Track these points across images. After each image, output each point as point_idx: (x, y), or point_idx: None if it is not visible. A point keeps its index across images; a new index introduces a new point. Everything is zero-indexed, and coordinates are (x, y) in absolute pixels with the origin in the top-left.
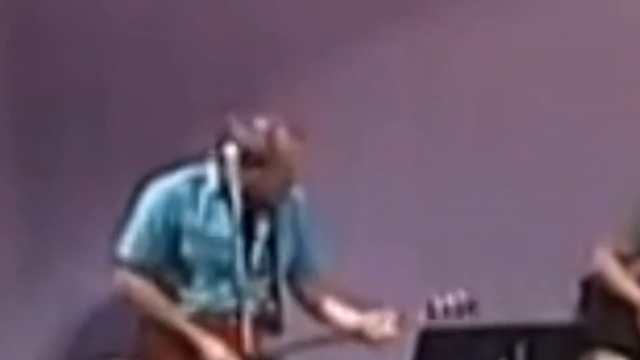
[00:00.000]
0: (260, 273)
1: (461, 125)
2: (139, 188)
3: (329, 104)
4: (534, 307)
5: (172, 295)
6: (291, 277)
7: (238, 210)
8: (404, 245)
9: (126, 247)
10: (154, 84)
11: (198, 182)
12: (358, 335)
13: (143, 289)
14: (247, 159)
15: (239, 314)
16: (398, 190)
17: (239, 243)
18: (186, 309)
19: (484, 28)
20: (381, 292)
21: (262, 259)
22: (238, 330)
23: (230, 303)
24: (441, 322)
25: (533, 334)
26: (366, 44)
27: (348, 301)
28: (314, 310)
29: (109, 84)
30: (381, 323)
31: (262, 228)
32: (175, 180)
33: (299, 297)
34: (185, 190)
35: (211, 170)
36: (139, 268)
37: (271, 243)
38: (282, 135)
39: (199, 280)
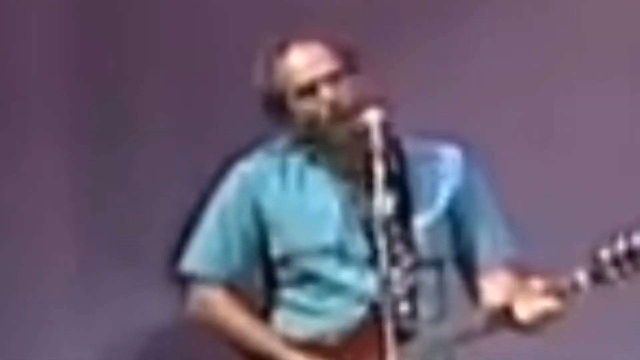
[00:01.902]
0: (393, 261)
1: None
2: (222, 172)
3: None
4: None
5: (267, 316)
6: (461, 265)
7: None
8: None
9: (192, 259)
10: None
11: (286, 153)
12: (505, 321)
13: (223, 306)
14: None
15: (363, 325)
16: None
17: (354, 221)
18: (284, 333)
19: None
20: None
21: (393, 239)
22: (367, 349)
23: (354, 312)
24: None
25: None
26: None
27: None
28: (476, 295)
29: (199, 39)
30: (531, 298)
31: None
32: (255, 159)
33: (466, 283)
34: (270, 164)
35: (305, 149)
36: (214, 283)
37: (403, 217)
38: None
39: (301, 287)
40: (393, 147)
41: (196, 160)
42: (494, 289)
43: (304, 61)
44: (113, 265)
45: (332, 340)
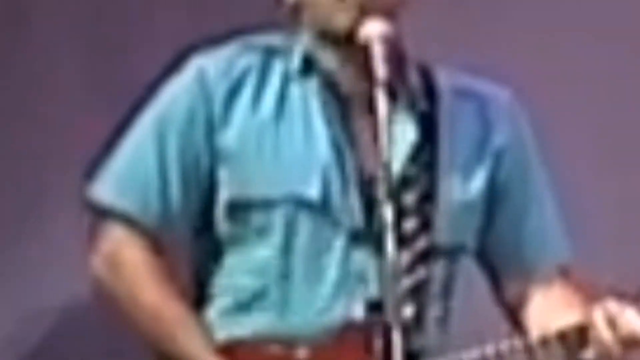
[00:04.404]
0: (399, 241)
1: None
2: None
3: None
4: None
5: (202, 295)
6: (491, 265)
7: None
8: None
9: (108, 187)
10: None
11: (271, 53)
12: (578, 347)
13: (138, 268)
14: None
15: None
16: None
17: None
18: (220, 334)
19: None
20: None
21: (405, 210)
22: None
23: (331, 312)
24: None
25: None
26: None
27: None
28: (516, 314)
29: None
30: (619, 315)
31: (405, 138)
32: (223, 52)
33: (501, 296)
34: (245, 62)
35: (298, 46)
36: (136, 228)
37: (427, 181)
38: None
39: (252, 260)
40: (406, 73)
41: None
42: (552, 304)
43: None
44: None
45: (303, 354)
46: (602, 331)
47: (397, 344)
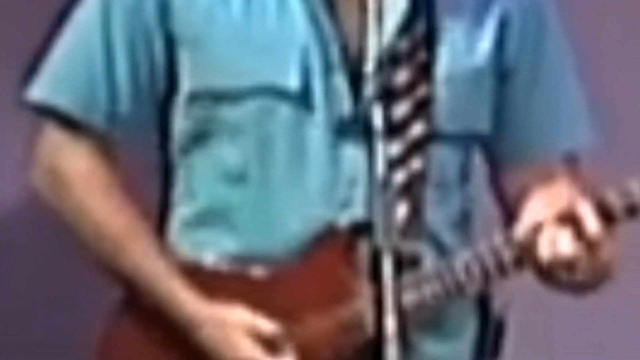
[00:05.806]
0: (391, 129)
1: None
2: None
3: None
4: None
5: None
6: (497, 151)
7: None
8: None
9: (45, 82)
10: None
11: None
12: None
13: (79, 178)
14: None
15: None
16: None
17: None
18: (194, 244)
19: None
20: None
21: (395, 95)
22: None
23: (316, 221)
24: None
25: None
26: None
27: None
28: (514, 209)
29: None
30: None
31: (395, 6)
32: None
33: (501, 188)
34: None
35: None
36: (81, 130)
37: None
38: None
39: (230, 162)
40: None
41: None
42: (542, 202)
43: None
44: None
45: (256, 271)
46: (541, 251)
47: (386, 251)
